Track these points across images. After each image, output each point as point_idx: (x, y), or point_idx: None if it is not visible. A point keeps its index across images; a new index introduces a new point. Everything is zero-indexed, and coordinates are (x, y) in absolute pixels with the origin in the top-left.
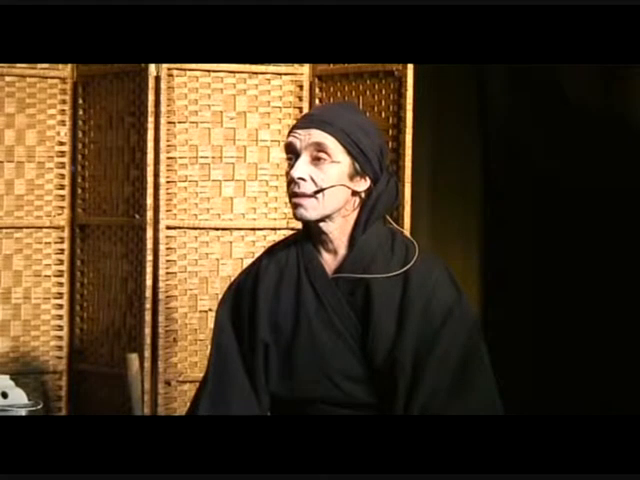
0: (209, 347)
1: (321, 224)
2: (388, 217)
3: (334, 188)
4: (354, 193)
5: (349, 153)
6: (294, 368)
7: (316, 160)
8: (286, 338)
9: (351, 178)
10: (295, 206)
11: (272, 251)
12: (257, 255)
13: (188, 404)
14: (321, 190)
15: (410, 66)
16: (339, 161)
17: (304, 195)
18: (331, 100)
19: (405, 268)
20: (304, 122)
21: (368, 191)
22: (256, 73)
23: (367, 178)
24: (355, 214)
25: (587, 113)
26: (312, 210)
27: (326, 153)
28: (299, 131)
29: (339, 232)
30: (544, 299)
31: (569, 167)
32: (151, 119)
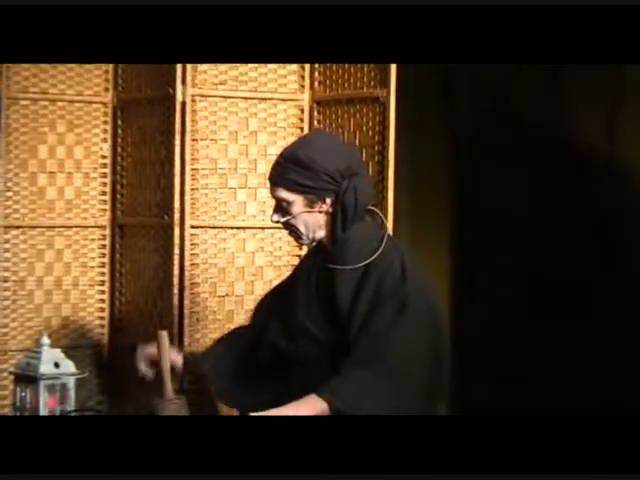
0: (227, 325)
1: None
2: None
3: (299, 217)
4: (320, 212)
5: (298, 192)
6: (282, 320)
7: (281, 206)
8: (288, 297)
9: (310, 205)
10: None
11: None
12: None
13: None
14: (285, 223)
15: (392, 92)
16: (293, 200)
17: (288, 231)
18: (327, 121)
19: (367, 261)
20: (270, 172)
21: (333, 203)
22: (265, 99)
23: (326, 198)
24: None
25: (538, 122)
26: (299, 240)
27: (283, 200)
28: (270, 181)
29: (327, 237)
30: (521, 298)
31: (539, 171)
32: (178, 137)
